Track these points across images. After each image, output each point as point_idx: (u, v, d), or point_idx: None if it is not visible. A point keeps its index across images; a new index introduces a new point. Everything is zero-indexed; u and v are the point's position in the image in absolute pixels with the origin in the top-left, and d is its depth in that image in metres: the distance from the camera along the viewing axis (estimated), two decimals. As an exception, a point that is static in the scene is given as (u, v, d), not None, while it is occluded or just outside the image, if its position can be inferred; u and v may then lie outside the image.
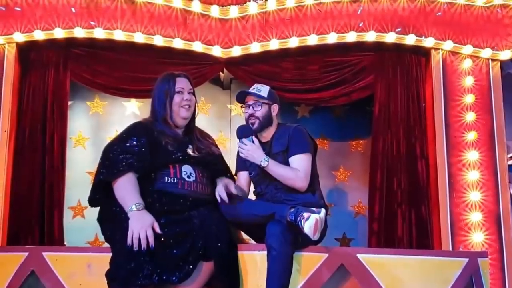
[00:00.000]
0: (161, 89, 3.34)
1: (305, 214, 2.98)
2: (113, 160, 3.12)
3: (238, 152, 3.48)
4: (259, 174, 3.41)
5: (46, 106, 4.83)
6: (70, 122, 5.10)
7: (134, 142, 3.16)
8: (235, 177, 3.58)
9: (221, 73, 5.44)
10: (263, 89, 3.47)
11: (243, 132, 3.37)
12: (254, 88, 3.49)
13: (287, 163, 3.34)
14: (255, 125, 3.42)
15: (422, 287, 3.24)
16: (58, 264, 3.25)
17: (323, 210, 3.08)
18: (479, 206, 4.76)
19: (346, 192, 5.76)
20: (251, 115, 3.43)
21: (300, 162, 3.33)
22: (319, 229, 3.01)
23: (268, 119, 3.45)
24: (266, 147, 3.42)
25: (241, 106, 3.55)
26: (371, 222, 4.92)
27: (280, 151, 3.39)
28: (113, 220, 3.08)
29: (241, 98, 3.51)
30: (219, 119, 5.76)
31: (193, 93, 3.40)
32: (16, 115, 4.81)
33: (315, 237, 2.99)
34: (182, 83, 3.35)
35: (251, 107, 3.43)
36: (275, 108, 3.50)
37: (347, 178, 5.78)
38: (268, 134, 3.48)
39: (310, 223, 2.95)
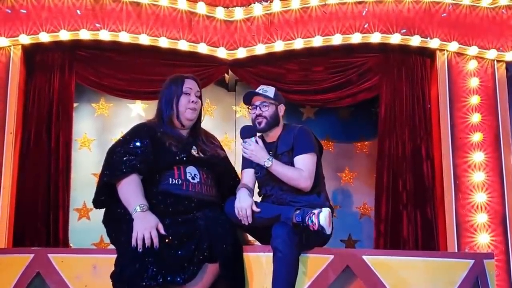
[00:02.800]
0: (169, 90, 3.35)
1: (315, 211, 3.00)
2: (116, 162, 3.12)
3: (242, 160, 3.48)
4: (265, 175, 3.39)
5: (51, 108, 4.84)
6: (75, 124, 5.10)
7: (138, 144, 3.16)
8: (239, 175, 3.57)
9: (226, 75, 5.44)
10: (269, 90, 3.47)
11: (247, 132, 3.36)
12: (260, 89, 3.47)
13: (292, 163, 3.33)
14: (262, 124, 3.41)
15: (428, 289, 3.25)
16: (64, 265, 3.25)
17: (327, 208, 3.09)
18: (485, 208, 4.75)
19: (351, 194, 5.76)
20: (259, 115, 3.41)
21: (304, 161, 3.31)
22: (331, 224, 3.04)
23: (275, 119, 3.44)
24: (272, 148, 3.42)
25: (248, 108, 3.55)
26: (377, 223, 4.91)
27: (285, 151, 3.38)
28: (118, 222, 3.08)
29: (248, 99, 3.50)
30: (224, 121, 5.76)
31: (200, 96, 3.41)
32: (22, 117, 4.82)
33: (329, 230, 3.01)
34: (190, 84, 3.36)
35: (258, 108, 3.42)
36: (281, 108, 3.50)
37: (352, 180, 5.78)
38: (274, 135, 3.47)
39: (324, 214, 2.98)
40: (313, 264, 3.15)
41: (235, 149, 5.49)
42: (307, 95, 5.14)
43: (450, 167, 4.81)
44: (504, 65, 4.96)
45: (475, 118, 4.86)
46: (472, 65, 4.94)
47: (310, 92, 5.13)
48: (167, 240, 2.91)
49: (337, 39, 4.87)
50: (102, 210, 3.27)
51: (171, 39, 4.79)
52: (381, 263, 3.22)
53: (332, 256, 3.18)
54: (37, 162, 4.76)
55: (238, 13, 4.84)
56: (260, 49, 4.86)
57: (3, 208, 4.55)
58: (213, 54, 4.88)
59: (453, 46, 4.90)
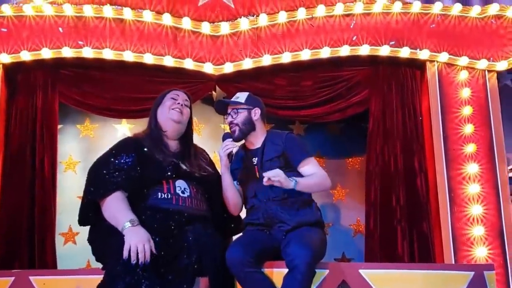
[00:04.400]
0: (158, 100, 3.36)
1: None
2: (100, 179, 3.05)
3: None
4: (247, 186, 3.33)
5: (35, 129, 4.70)
6: (60, 146, 4.97)
7: (123, 160, 3.11)
8: None
9: (213, 93, 5.35)
10: (241, 96, 3.45)
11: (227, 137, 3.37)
12: (233, 97, 3.47)
13: (282, 167, 3.23)
14: (236, 133, 3.37)
15: (427, 303, 3.13)
16: (46, 288, 3.12)
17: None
18: (481, 220, 4.64)
19: (344, 211, 5.64)
20: (231, 123, 3.39)
21: (312, 165, 3.30)
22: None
23: (249, 124, 3.39)
24: (257, 155, 3.34)
25: (224, 118, 3.54)
26: (370, 240, 4.78)
27: (274, 157, 3.30)
28: (106, 234, 2.97)
29: (222, 110, 3.50)
30: (212, 140, 5.63)
31: (189, 107, 3.38)
32: (4, 139, 4.68)
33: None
34: (178, 94, 3.37)
35: (230, 116, 3.40)
36: (256, 112, 3.43)
37: (345, 196, 5.67)
38: (255, 141, 3.41)
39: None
40: (308, 280, 3.02)
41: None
42: (295, 110, 5.05)
43: (444, 179, 4.71)
44: (495, 75, 4.90)
45: (468, 129, 4.78)
46: (463, 75, 4.87)
47: (298, 107, 5.03)
48: (157, 257, 2.81)
49: (325, 52, 4.79)
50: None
51: (156, 55, 4.69)
52: (378, 277, 3.13)
53: (327, 271, 3.09)
54: (21, 186, 4.60)
55: (224, 28, 4.76)
56: (247, 64, 4.77)
57: (-16, 233, 4.38)
58: (199, 69, 4.78)
59: (443, 57, 4.83)
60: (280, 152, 3.30)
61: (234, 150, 3.28)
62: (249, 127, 3.38)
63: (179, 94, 3.36)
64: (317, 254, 3.00)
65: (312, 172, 3.26)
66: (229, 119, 3.41)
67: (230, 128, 3.41)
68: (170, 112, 3.26)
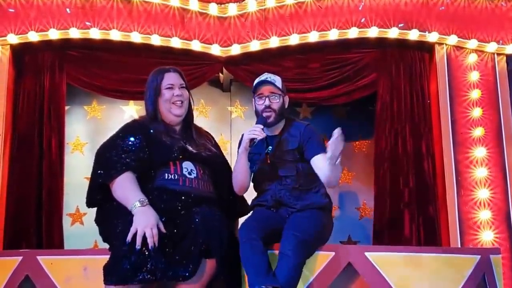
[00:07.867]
0: (150, 86, 3.27)
1: None
2: (110, 161, 3.04)
3: (239, 143, 3.35)
4: (261, 170, 3.30)
5: (42, 110, 4.71)
6: (67, 127, 4.98)
7: (131, 141, 3.09)
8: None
9: (220, 75, 5.35)
10: (277, 79, 3.35)
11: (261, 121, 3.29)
12: (268, 77, 3.33)
13: (297, 161, 3.23)
14: (271, 119, 3.28)
15: (432, 286, 3.12)
16: (53, 268, 3.16)
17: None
18: (488, 204, 4.64)
19: (351, 194, 5.65)
20: (268, 107, 3.27)
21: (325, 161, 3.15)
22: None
23: (283, 111, 3.33)
24: (275, 141, 3.31)
25: (254, 96, 3.37)
26: (377, 223, 4.78)
27: (290, 149, 3.27)
28: (113, 215, 2.98)
29: (256, 88, 3.35)
30: (219, 122, 5.65)
31: (186, 87, 3.31)
32: (11, 120, 4.69)
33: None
34: (171, 79, 3.25)
35: (267, 99, 3.28)
36: (286, 99, 3.39)
37: (351, 180, 5.67)
38: (278, 127, 3.35)
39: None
40: (314, 262, 3.05)
41: (231, 151, 5.38)
42: (302, 93, 5.01)
43: (451, 163, 4.70)
44: (505, 58, 4.86)
45: (476, 112, 4.75)
46: (472, 58, 4.83)
47: (306, 90, 5.01)
48: (164, 237, 2.81)
49: (333, 34, 4.76)
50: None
51: (163, 37, 4.68)
52: (383, 259, 3.12)
53: (333, 253, 3.08)
54: (29, 166, 4.62)
55: (232, 9, 4.73)
56: (254, 46, 4.75)
57: (-8, 214, 4.41)
58: (206, 51, 4.76)
59: (452, 39, 4.79)
60: (297, 146, 3.25)
61: (259, 139, 3.19)
62: (282, 114, 3.33)
63: (173, 82, 3.23)
64: (312, 239, 3.00)
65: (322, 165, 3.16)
66: (266, 102, 3.27)
67: (263, 111, 3.28)
68: (172, 107, 3.20)
